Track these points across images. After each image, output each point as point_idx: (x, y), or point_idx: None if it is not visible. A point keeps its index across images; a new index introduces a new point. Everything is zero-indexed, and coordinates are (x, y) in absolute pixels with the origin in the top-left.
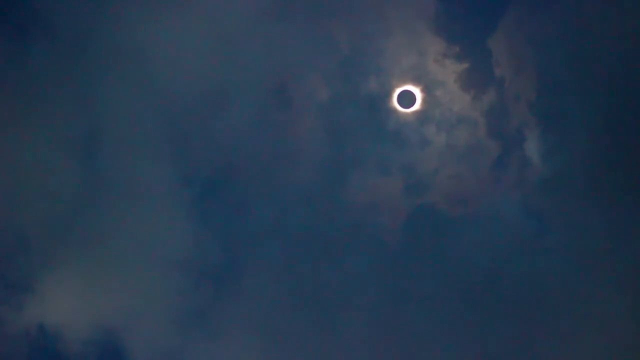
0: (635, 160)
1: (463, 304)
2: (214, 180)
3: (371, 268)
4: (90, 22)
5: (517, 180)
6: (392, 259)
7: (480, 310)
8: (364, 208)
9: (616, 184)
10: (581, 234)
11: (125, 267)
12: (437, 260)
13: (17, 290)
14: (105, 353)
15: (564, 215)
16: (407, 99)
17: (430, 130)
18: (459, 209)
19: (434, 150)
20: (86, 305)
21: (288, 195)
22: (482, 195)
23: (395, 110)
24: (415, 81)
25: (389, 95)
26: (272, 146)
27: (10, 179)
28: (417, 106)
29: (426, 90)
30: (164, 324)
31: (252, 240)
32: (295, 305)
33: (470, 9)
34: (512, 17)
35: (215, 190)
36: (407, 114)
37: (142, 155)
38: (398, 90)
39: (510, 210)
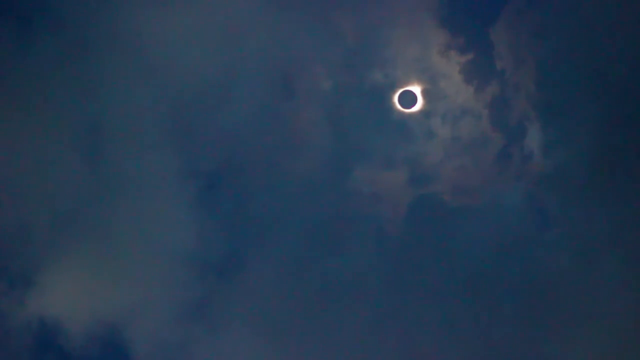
0: (637, 153)
1: (465, 294)
2: (218, 173)
3: (374, 259)
4: (94, 15)
5: (520, 172)
6: (395, 250)
7: (482, 300)
8: (368, 200)
9: (618, 177)
10: (583, 226)
11: (128, 260)
12: (440, 252)
13: (19, 284)
14: (107, 346)
15: (565, 208)
16: (408, 98)
17: (434, 122)
18: (462, 200)
19: (438, 142)
20: (88, 299)
21: (292, 187)
22: (485, 187)
23: (399, 102)
24: (420, 73)
25: (393, 86)
26: (276, 138)
27: (12, 172)
28: (418, 106)
29: (430, 82)
30: (167, 317)
31: (255, 233)
32: (299, 298)
33: (473, 1)
34: (514, 9)
35: (219, 183)
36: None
37: (146, 147)
38: (401, 84)
39: (512, 202)
